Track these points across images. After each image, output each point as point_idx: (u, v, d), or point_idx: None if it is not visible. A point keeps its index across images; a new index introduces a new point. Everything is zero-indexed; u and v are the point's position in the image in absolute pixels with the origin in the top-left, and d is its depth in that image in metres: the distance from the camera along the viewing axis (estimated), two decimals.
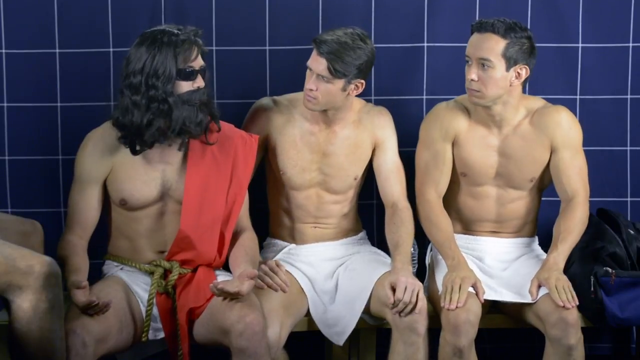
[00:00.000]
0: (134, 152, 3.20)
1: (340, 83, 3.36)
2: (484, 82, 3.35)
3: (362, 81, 3.40)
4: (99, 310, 3.03)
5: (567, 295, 3.27)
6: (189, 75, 3.17)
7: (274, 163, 3.53)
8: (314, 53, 3.36)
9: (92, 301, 3.01)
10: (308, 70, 3.38)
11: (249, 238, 3.37)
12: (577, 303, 3.29)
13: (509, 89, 3.38)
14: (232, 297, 3.10)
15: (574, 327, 3.25)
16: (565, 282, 3.32)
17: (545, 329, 3.31)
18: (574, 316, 3.26)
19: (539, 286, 3.34)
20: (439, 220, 3.49)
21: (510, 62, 3.34)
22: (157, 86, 3.13)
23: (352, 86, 3.39)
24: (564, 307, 3.25)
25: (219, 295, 3.11)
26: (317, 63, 3.35)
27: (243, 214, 3.39)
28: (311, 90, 3.36)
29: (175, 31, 3.16)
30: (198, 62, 3.19)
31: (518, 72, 3.37)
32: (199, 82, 3.19)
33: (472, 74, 3.35)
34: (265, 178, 3.61)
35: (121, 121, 3.18)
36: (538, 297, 3.33)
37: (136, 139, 3.18)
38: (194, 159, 3.27)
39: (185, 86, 3.17)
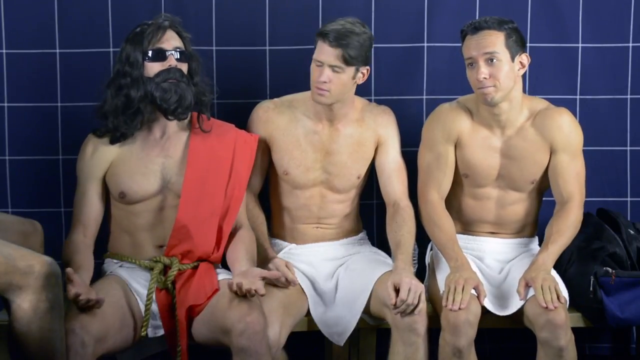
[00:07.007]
0: (112, 141, 3.30)
1: (351, 71, 3.36)
2: (495, 76, 3.33)
3: (368, 67, 3.41)
4: (91, 304, 3.01)
5: (552, 296, 3.25)
6: (157, 56, 3.24)
7: (278, 164, 3.53)
8: (323, 45, 3.34)
9: (77, 294, 2.99)
10: (315, 65, 3.37)
11: (246, 235, 3.37)
12: (563, 302, 3.24)
13: (516, 80, 3.38)
14: (247, 294, 3.10)
15: (562, 328, 3.22)
16: (551, 283, 3.28)
17: (535, 331, 3.30)
18: (561, 317, 3.22)
19: (527, 285, 3.34)
20: (441, 222, 3.49)
21: (512, 52, 3.35)
22: (127, 72, 3.25)
23: (360, 74, 3.40)
24: (547, 308, 3.24)
25: (236, 291, 3.10)
26: (327, 54, 3.34)
27: (240, 211, 3.39)
28: (324, 82, 3.35)
29: (149, 22, 3.29)
30: (170, 44, 3.26)
31: (521, 62, 3.38)
32: (171, 62, 3.25)
33: (482, 73, 3.34)
34: (267, 178, 3.61)
35: (98, 113, 3.31)
36: (527, 298, 3.31)
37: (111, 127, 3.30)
38: (194, 152, 3.30)
39: (155, 67, 3.25)
